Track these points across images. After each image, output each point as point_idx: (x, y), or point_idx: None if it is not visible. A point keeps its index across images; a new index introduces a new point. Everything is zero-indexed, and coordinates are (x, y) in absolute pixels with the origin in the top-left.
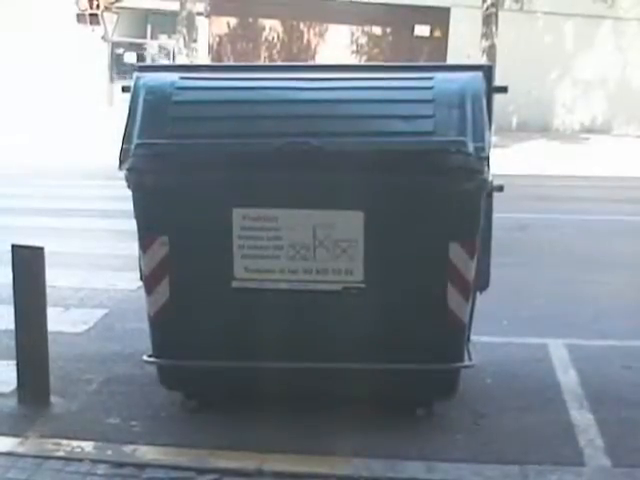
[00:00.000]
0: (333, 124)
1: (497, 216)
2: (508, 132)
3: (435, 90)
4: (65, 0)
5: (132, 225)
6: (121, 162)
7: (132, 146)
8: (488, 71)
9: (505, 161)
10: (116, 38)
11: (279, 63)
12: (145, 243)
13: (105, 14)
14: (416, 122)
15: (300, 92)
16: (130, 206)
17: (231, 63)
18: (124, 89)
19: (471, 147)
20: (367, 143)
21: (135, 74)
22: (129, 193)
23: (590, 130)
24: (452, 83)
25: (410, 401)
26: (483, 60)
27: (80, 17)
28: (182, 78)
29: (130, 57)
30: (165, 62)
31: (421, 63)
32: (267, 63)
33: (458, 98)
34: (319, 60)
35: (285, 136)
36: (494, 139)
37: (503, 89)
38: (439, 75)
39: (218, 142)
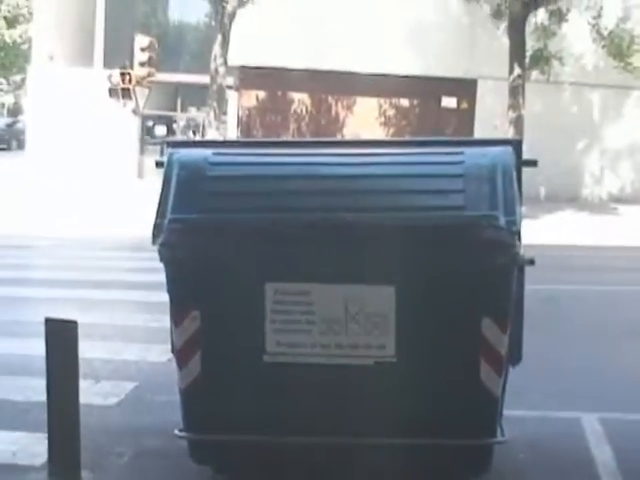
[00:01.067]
0: (364, 199)
1: (527, 287)
2: (537, 202)
3: (465, 165)
4: (97, 74)
5: (163, 297)
6: (154, 236)
7: (165, 221)
8: (517, 145)
9: (534, 232)
10: (147, 111)
11: (310, 139)
12: (177, 317)
13: (137, 88)
14: (447, 197)
15: (331, 167)
16: (160, 278)
17: (263, 139)
18: (158, 164)
19: (503, 221)
20: (398, 218)
21: (168, 150)
22: (160, 265)
23: (619, 200)
24: (482, 158)
25: (442, 477)
26: (510, 131)
27: (112, 92)
28: (215, 154)
29: (160, 130)
30: (195, 135)
31: (450, 138)
32: (298, 139)
33: (488, 173)
34: (347, 132)
35: (317, 211)
36: (523, 209)
37: (532, 163)
38: (469, 150)
39: (251, 217)
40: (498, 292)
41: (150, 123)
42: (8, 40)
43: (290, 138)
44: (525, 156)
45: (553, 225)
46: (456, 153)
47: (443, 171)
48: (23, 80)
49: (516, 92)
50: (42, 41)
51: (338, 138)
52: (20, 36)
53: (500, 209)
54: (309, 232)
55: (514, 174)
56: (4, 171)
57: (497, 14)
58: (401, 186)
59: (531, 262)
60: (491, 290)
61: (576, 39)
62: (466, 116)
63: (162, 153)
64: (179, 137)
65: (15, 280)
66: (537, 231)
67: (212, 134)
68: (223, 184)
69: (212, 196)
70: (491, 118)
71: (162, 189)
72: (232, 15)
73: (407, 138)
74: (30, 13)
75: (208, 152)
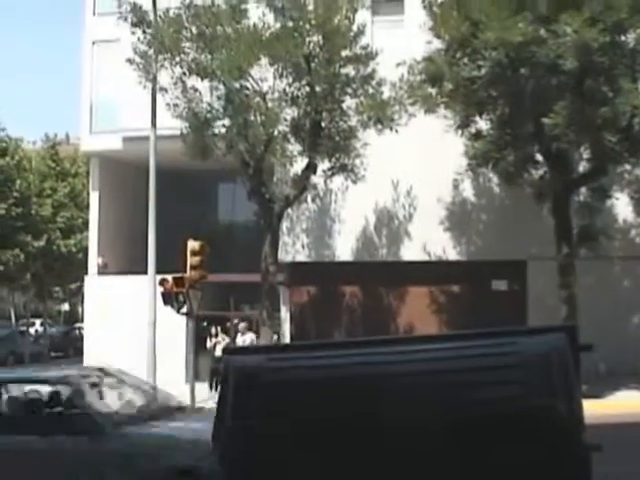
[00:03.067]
0: (424, 395)
1: (597, 470)
2: (597, 379)
3: (521, 355)
4: (150, 279)
5: None
6: (214, 439)
7: (224, 426)
8: (571, 331)
9: (596, 410)
10: (200, 312)
11: (363, 338)
12: None
13: (190, 291)
14: (505, 388)
15: (386, 366)
16: None
17: (315, 341)
18: (213, 372)
19: (562, 409)
20: (458, 412)
21: (225, 356)
22: None
23: None
24: (537, 347)
25: None
26: (564, 310)
27: (166, 297)
28: (269, 359)
29: (214, 330)
30: (248, 330)
31: (504, 328)
32: (350, 339)
33: (544, 362)
34: (401, 322)
35: (377, 412)
36: (583, 388)
37: (587, 348)
38: (523, 339)
39: (305, 421)
40: None
41: (204, 323)
42: (64, 250)
43: (342, 339)
44: (581, 333)
45: (616, 402)
46: (511, 344)
47: (499, 363)
48: (79, 288)
49: (566, 270)
50: (96, 250)
51: (390, 336)
52: (75, 245)
53: (559, 397)
54: (372, 436)
55: (570, 361)
56: None
57: (539, 195)
58: (458, 380)
59: (597, 448)
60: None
61: (621, 213)
62: (518, 298)
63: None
64: (233, 335)
65: None
66: (599, 409)
67: (266, 332)
68: (278, 389)
69: (268, 401)
70: (544, 298)
71: (220, 396)
72: (280, 214)
73: (461, 332)
74: (84, 223)
75: (262, 358)
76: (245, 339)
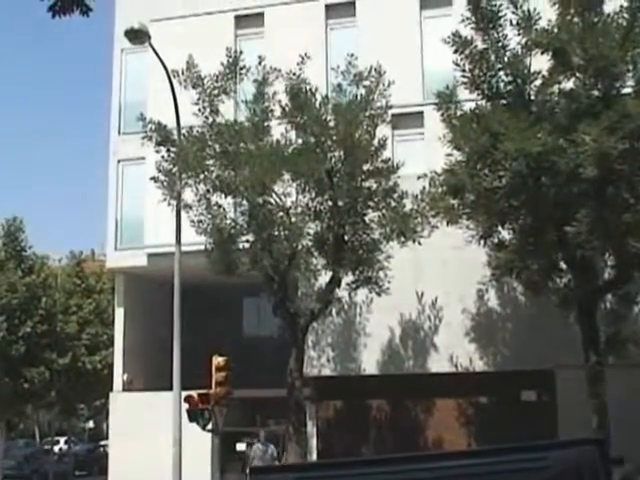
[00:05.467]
0: None
1: None
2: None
3: (552, 471)
4: (175, 396)
5: None
6: None
7: None
8: (601, 444)
9: None
10: (226, 428)
11: (389, 455)
12: None
13: (215, 407)
14: None
15: None
16: None
17: (343, 459)
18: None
19: None
20: None
21: (251, 477)
22: None
23: None
24: (568, 461)
25: None
26: (594, 420)
27: (192, 414)
28: (298, 479)
29: (241, 446)
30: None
31: (533, 443)
32: (377, 456)
33: (576, 477)
34: (429, 436)
35: None
36: None
37: (619, 461)
38: (554, 453)
39: None
40: None
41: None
42: (89, 367)
43: (370, 456)
44: (612, 443)
45: None
46: (541, 459)
47: (531, 478)
48: (103, 405)
49: (595, 379)
50: (121, 366)
51: (418, 453)
52: (100, 362)
53: None
54: None
55: (602, 474)
56: None
57: (565, 303)
58: None
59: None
60: None
61: None
62: (548, 408)
63: (243, 470)
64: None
65: None
66: None
67: (292, 448)
68: None
69: None
70: (573, 408)
71: None
72: (305, 328)
73: (491, 447)
74: (109, 339)
75: (290, 477)
76: (264, 449)
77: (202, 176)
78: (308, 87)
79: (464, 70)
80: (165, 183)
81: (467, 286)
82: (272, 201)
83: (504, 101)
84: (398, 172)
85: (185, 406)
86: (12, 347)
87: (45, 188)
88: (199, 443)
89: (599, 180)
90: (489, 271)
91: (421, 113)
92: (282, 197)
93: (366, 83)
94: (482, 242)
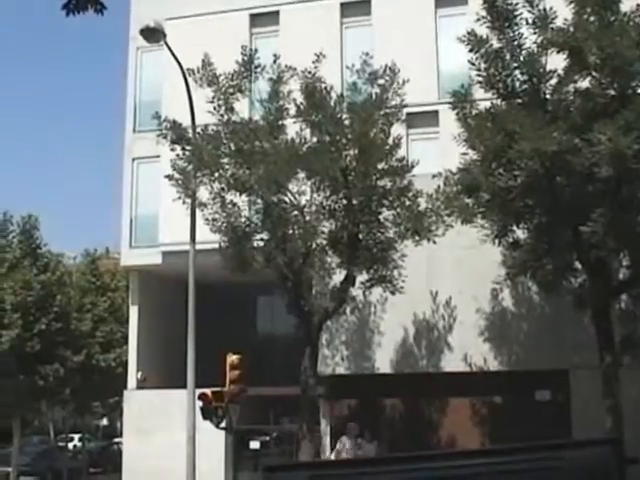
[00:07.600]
0: None
1: None
2: None
3: (566, 470)
4: (190, 395)
5: None
6: None
7: None
8: (616, 443)
9: None
10: (239, 426)
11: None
12: None
13: (229, 405)
14: None
15: None
16: None
17: (357, 458)
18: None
19: None
20: None
21: (265, 474)
22: None
23: None
24: (582, 461)
25: None
26: (608, 421)
27: (206, 412)
28: (312, 477)
29: (254, 444)
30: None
31: (547, 442)
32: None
33: (590, 477)
34: (442, 434)
35: None
36: None
37: (635, 461)
38: (568, 453)
39: None
40: None
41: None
42: (103, 364)
43: (384, 455)
44: (626, 444)
45: None
46: (556, 458)
47: (544, 478)
48: (117, 402)
49: (610, 380)
50: (135, 364)
51: (432, 452)
52: (114, 359)
53: None
54: None
55: (616, 474)
56: None
57: (580, 304)
58: None
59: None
60: None
61: None
62: (562, 408)
63: (256, 468)
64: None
65: None
66: None
67: (306, 446)
68: None
69: None
70: (588, 408)
71: None
72: (319, 327)
73: (505, 446)
74: (124, 337)
75: (304, 475)
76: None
77: (217, 174)
78: (323, 86)
79: (479, 69)
80: (180, 181)
81: (481, 285)
82: (287, 199)
83: (519, 100)
84: (413, 171)
85: (199, 404)
86: (27, 344)
87: (60, 186)
88: (213, 441)
89: (614, 180)
90: (503, 270)
91: (436, 112)
92: (297, 195)
93: (381, 82)
94: (497, 241)
